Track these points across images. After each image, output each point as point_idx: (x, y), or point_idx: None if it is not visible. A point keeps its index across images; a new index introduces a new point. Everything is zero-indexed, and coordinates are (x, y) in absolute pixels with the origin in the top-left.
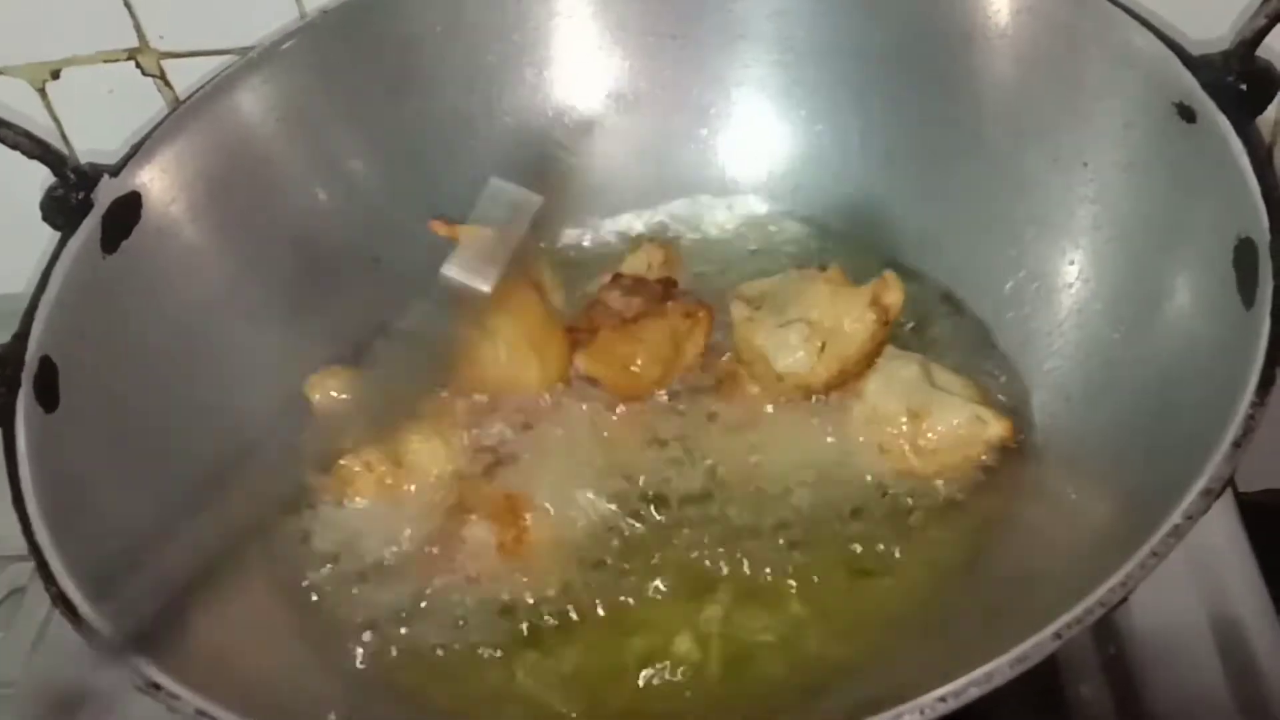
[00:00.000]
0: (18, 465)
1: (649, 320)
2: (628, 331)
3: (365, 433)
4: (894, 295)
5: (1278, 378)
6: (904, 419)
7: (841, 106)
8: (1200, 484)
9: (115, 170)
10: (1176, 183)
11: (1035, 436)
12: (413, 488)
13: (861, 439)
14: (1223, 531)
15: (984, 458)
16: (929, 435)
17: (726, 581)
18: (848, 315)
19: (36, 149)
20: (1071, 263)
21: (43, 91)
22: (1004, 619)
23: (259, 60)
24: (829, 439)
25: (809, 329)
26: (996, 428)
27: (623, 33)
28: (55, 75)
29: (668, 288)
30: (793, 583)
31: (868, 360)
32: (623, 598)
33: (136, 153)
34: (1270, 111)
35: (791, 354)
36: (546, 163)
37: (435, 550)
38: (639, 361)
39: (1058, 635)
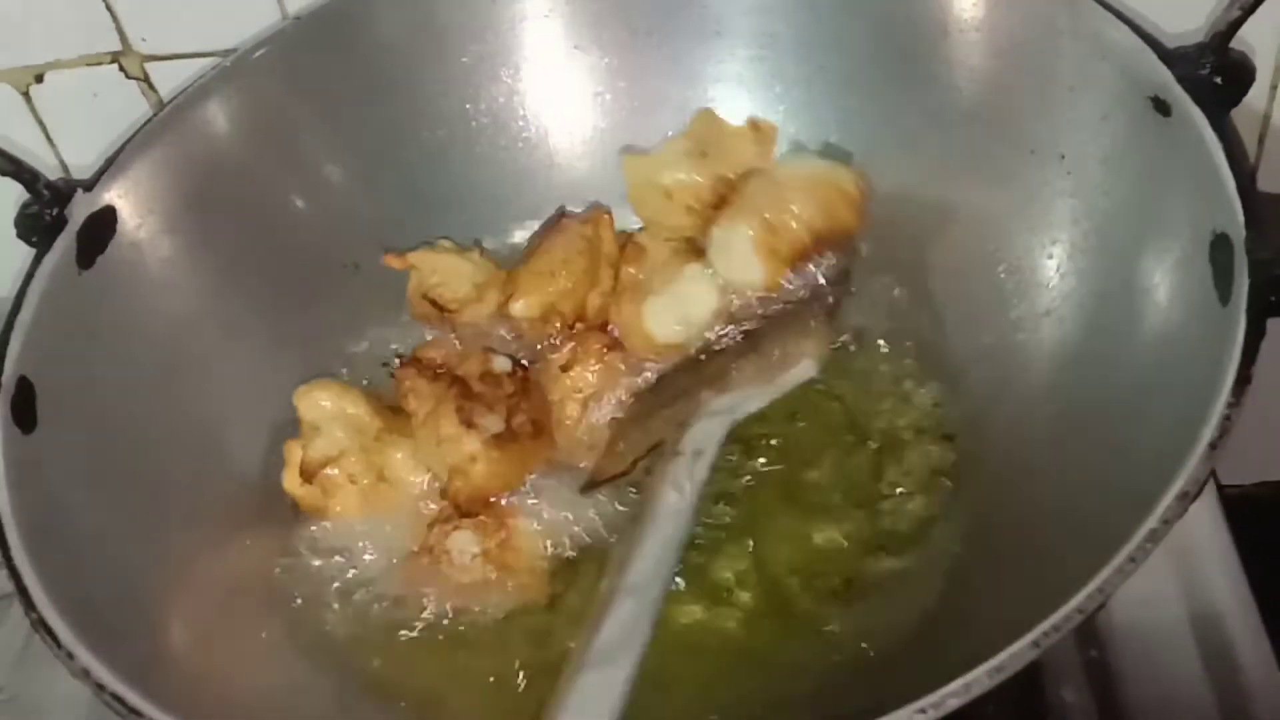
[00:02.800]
0: None
1: (551, 241)
2: (537, 263)
3: (350, 444)
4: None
5: (1254, 377)
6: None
7: (819, 101)
8: (1176, 487)
9: (89, 185)
10: (1153, 176)
11: (1012, 435)
12: (396, 498)
13: None
14: (1205, 527)
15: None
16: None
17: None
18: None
19: (9, 166)
20: (1050, 257)
21: (27, 95)
22: (980, 624)
23: (232, 70)
24: None
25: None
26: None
27: (598, 31)
28: (39, 79)
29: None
30: None
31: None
32: None
33: (110, 166)
34: (1259, 104)
35: None
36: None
37: (423, 561)
38: (562, 275)
39: (1035, 644)
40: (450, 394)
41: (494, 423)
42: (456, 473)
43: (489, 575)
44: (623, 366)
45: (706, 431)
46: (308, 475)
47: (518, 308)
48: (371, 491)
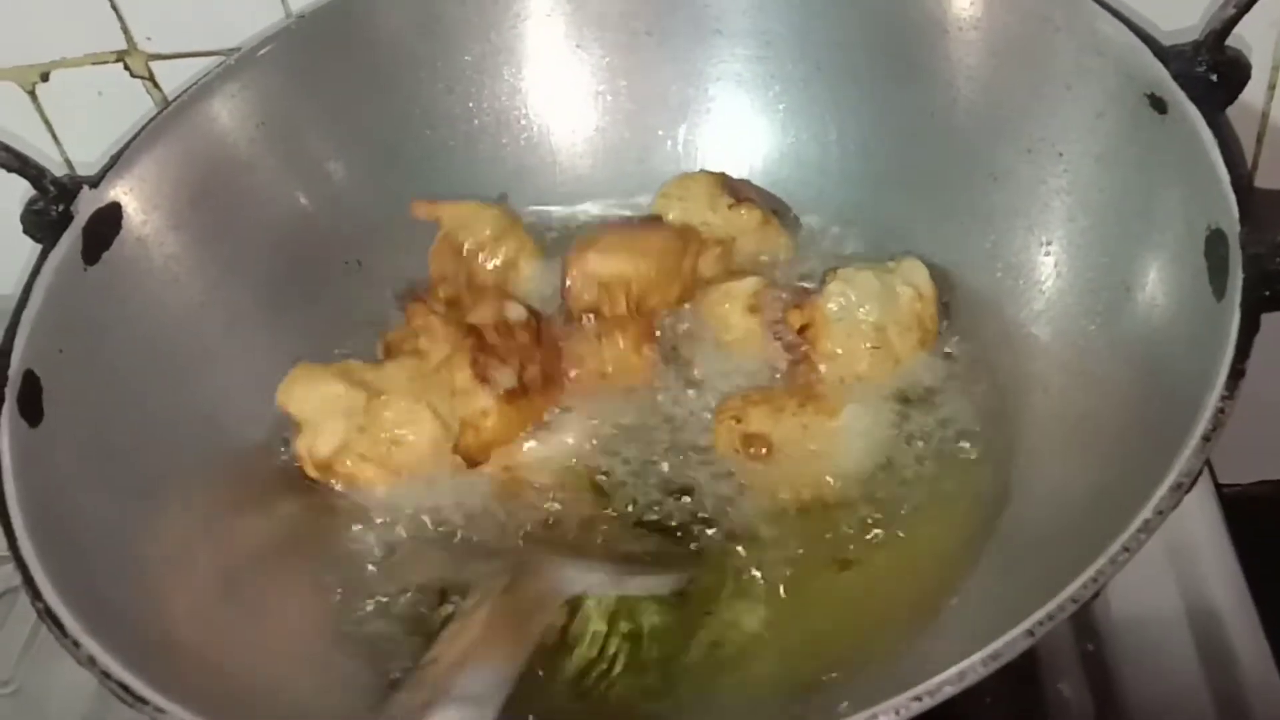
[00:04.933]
0: (2, 481)
1: (653, 231)
2: (632, 236)
3: (347, 429)
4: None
5: (1249, 370)
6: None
7: (818, 100)
8: (1170, 478)
9: (95, 181)
10: (1148, 173)
11: (1011, 429)
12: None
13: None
14: (1202, 524)
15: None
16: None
17: None
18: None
19: (15, 162)
20: (1047, 254)
21: (32, 94)
22: (977, 610)
23: (236, 67)
24: None
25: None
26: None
27: (600, 30)
28: (45, 78)
29: None
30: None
31: None
32: None
33: (115, 163)
34: (1258, 103)
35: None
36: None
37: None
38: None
39: (1030, 633)
40: (466, 344)
41: (508, 378)
42: (467, 426)
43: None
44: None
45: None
46: (324, 472)
47: (592, 260)
48: (390, 458)
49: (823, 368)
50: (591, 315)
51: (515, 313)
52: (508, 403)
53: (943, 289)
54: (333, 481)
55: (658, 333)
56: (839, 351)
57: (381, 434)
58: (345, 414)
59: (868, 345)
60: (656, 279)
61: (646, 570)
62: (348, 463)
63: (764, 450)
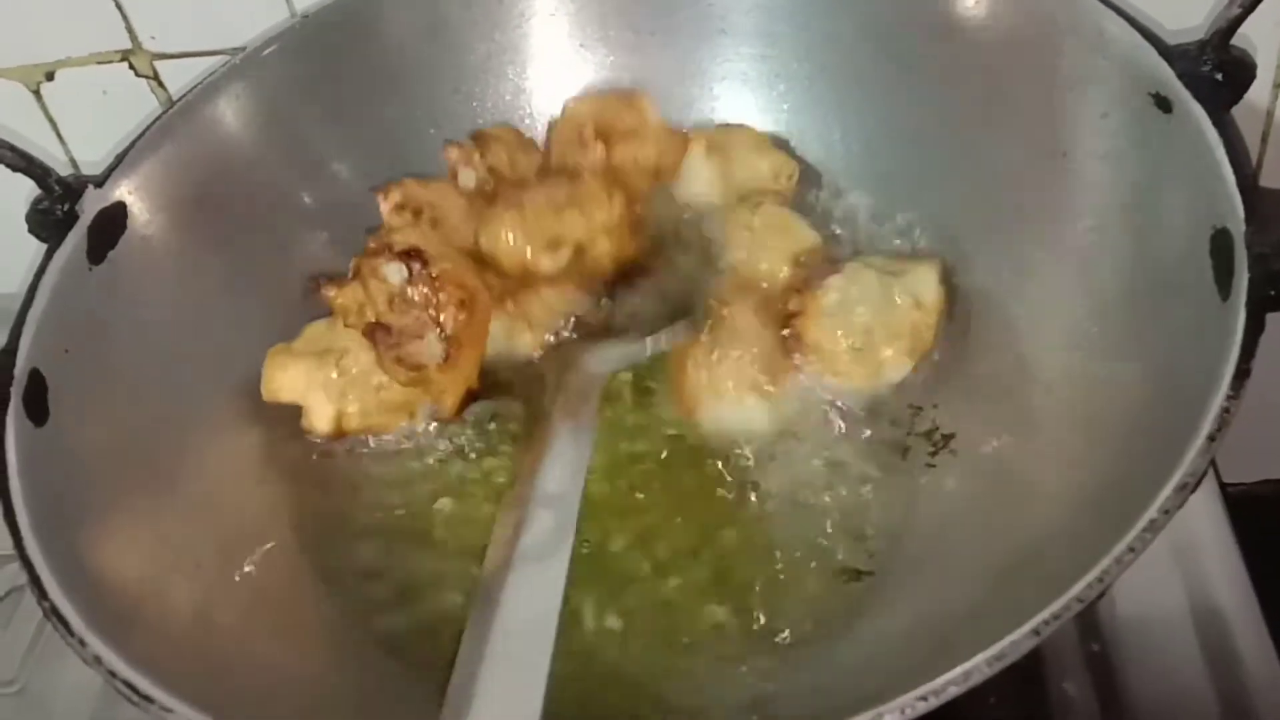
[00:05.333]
0: (8, 480)
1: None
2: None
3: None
4: None
5: (1253, 370)
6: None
7: (823, 99)
8: (1175, 478)
9: (100, 181)
10: (1154, 173)
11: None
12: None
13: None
14: (1206, 523)
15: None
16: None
17: None
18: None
19: (20, 162)
20: (1052, 254)
21: (37, 93)
22: (982, 611)
23: (242, 66)
24: None
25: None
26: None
27: (604, 29)
28: (49, 77)
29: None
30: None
31: None
32: None
33: (120, 163)
34: (1263, 102)
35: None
36: None
37: None
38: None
39: (1035, 632)
40: (378, 349)
41: (433, 349)
42: (432, 392)
43: None
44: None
45: (588, 376)
46: (344, 435)
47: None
48: (387, 399)
49: (796, 357)
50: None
51: (392, 275)
52: (449, 362)
53: (950, 293)
54: (364, 436)
55: None
56: (823, 346)
57: (367, 385)
58: (323, 385)
59: (849, 345)
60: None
61: (661, 330)
62: (354, 423)
63: None
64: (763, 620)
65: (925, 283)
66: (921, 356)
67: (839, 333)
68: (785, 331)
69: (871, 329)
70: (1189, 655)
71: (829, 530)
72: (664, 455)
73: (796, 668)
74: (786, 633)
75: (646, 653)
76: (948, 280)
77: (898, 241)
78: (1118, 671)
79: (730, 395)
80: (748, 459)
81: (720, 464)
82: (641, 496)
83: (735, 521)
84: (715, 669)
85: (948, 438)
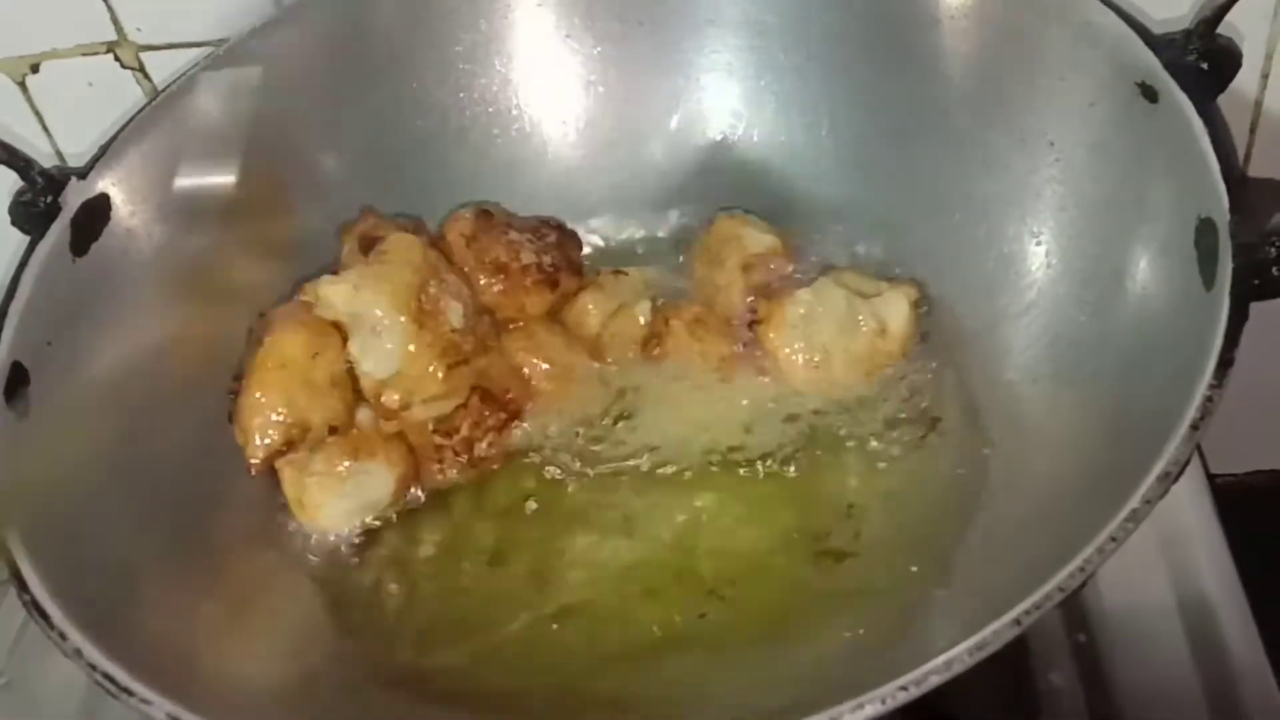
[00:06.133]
0: None
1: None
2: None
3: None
4: None
5: (1237, 359)
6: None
7: (810, 90)
8: (1158, 468)
9: (83, 173)
10: (1140, 162)
11: (998, 418)
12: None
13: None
14: (1194, 514)
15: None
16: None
17: None
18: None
19: (2, 154)
20: (1039, 244)
21: (22, 85)
22: (964, 600)
23: (225, 58)
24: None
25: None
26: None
27: (591, 20)
28: (35, 69)
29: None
30: None
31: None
32: None
33: (104, 154)
34: (1251, 92)
35: None
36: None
37: None
38: None
39: (1017, 621)
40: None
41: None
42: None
43: None
44: None
45: None
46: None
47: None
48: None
49: (757, 356)
50: None
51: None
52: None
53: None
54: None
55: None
56: (779, 355)
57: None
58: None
59: (805, 359)
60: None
61: None
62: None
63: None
64: None
65: (895, 309)
66: (878, 378)
67: (797, 346)
68: (748, 333)
69: (830, 350)
70: (1175, 646)
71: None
72: None
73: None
74: None
75: None
76: (922, 301)
77: (883, 231)
78: (1104, 662)
79: None
80: None
81: None
82: None
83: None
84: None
85: (935, 421)
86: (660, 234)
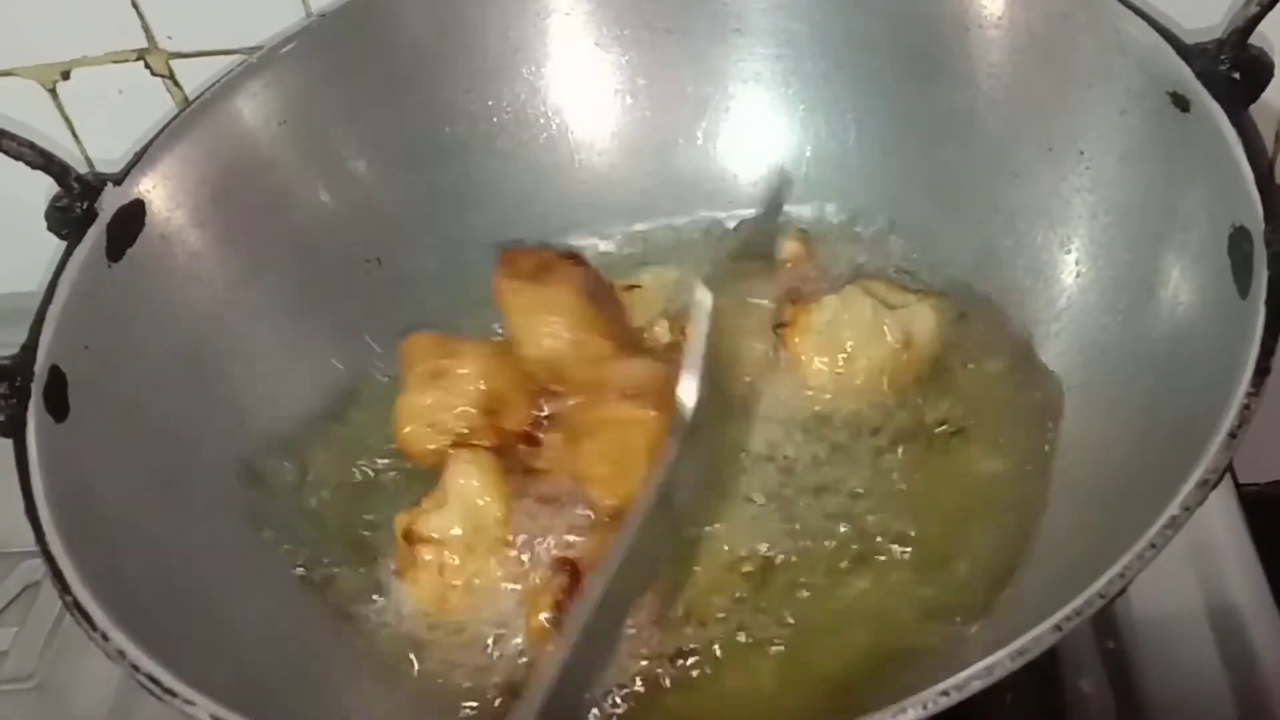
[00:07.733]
0: (30, 475)
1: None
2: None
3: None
4: None
5: (1273, 368)
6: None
7: (838, 98)
8: (1197, 475)
9: (119, 179)
10: (1171, 171)
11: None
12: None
13: None
14: (1223, 522)
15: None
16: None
17: None
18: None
19: (40, 159)
20: (1069, 252)
21: (53, 92)
22: (1005, 607)
23: (259, 65)
24: None
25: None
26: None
27: (619, 28)
28: (65, 76)
29: None
30: None
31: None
32: None
33: (139, 160)
34: (1278, 101)
35: None
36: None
37: None
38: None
39: (1057, 628)
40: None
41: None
42: None
43: None
44: None
45: None
46: (408, 539)
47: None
48: (452, 594)
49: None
50: None
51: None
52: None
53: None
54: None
55: None
56: (800, 359)
57: (472, 569)
58: (474, 525)
59: (826, 366)
60: None
61: None
62: (426, 558)
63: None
64: None
65: (922, 322)
66: (900, 387)
67: (819, 352)
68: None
69: (853, 358)
70: (1205, 654)
71: None
72: None
73: None
74: None
75: None
76: (950, 311)
77: (912, 240)
78: (1134, 669)
79: None
80: None
81: None
82: None
83: None
84: None
85: (962, 430)
86: (693, 237)
